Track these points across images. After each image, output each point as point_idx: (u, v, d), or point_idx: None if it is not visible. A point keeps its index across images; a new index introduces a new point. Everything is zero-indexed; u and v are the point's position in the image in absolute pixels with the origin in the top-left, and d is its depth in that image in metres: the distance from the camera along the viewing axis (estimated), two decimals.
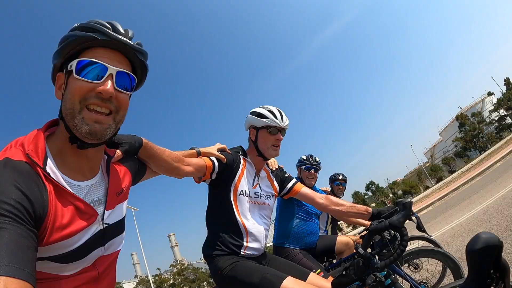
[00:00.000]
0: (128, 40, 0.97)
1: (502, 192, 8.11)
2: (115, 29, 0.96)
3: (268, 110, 1.99)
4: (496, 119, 54.11)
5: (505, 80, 55.99)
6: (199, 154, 1.84)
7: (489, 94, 59.02)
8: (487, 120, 55.25)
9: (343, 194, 4.38)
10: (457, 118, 53.61)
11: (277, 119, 1.96)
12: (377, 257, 1.61)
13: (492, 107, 54.51)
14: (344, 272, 1.53)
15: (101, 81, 0.93)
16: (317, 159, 3.62)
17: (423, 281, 2.75)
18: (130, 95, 1.06)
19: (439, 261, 2.76)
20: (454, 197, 14.33)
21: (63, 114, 0.96)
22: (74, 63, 0.93)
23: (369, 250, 1.63)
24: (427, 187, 44.56)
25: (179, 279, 64.60)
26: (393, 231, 1.63)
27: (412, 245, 3.77)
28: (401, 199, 1.67)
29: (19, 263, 0.67)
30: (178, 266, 70.70)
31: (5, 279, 0.63)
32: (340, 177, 4.28)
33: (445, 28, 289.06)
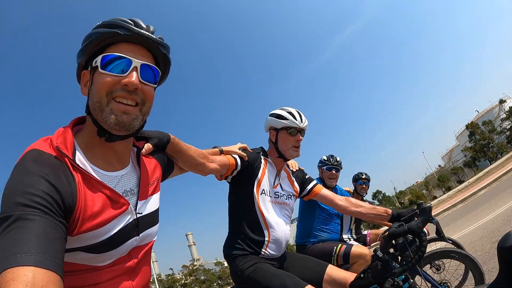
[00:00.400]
0: (150, 34, 0.99)
1: None
2: (137, 24, 0.98)
3: (287, 112, 2.01)
4: (508, 127, 52.30)
5: None
6: (221, 152, 1.85)
7: (501, 101, 56.72)
8: (499, 129, 53.40)
9: (366, 193, 4.36)
10: (467, 127, 52.13)
11: (296, 120, 1.97)
12: (399, 259, 1.63)
13: (504, 115, 52.70)
14: (362, 275, 1.53)
15: (126, 74, 0.94)
16: (338, 159, 3.59)
17: (444, 282, 2.68)
18: (155, 88, 1.07)
19: (461, 263, 2.74)
20: (476, 200, 13.89)
21: (90, 109, 0.97)
22: (98, 58, 0.95)
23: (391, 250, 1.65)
24: (435, 197, 44.03)
25: (190, 280, 67.43)
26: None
27: (434, 246, 3.69)
28: (421, 202, 1.65)
29: (47, 254, 0.68)
30: (190, 267, 73.75)
31: (34, 269, 0.64)
32: (363, 176, 4.29)
33: (471, 25, 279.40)
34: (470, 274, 2.82)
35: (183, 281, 65.93)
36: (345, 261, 2.96)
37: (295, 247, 3.46)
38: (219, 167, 1.71)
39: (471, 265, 2.57)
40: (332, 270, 1.89)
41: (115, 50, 0.96)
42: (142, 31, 0.97)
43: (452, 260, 2.75)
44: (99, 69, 0.94)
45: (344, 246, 2.98)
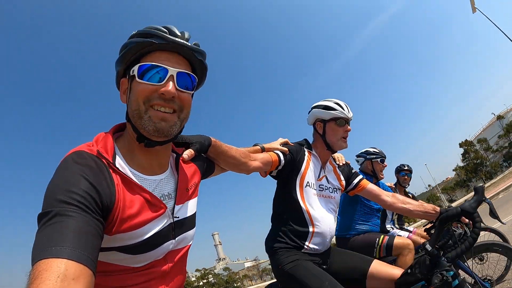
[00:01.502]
0: (185, 42, 0.99)
1: None
2: (171, 33, 0.98)
3: (334, 103, 1.95)
4: (505, 145, 48.41)
5: None
6: (263, 149, 1.81)
7: (499, 117, 52.02)
8: (494, 147, 49.59)
9: (409, 185, 4.31)
10: (460, 145, 49.62)
11: (344, 110, 1.92)
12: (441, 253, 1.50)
13: (502, 132, 48.85)
14: (409, 271, 1.45)
15: (162, 82, 0.95)
16: None
17: (487, 277, 2.60)
18: (193, 94, 1.07)
19: (504, 256, 2.60)
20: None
21: (129, 116, 0.99)
22: (136, 68, 0.96)
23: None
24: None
25: (202, 283, 72.93)
26: (459, 227, 1.55)
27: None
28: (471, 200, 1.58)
29: (81, 248, 0.70)
30: (202, 271, 79.22)
31: (67, 261, 0.65)
32: (405, 168, 4.25)
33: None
34: None
35: (196, 283, 71.49)
36: (388, 253, 2.84)
37: (334, 239, 3.29)
38: (262, 165, 1.67)
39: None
40: (377, 266, 1.80)
41: (152, 59, 0.97)
42: (176, 39, 0.97)
43: (495, 253, 2.62)
44: (137, 78, 0.96)
45: (387, 237, 2.89)
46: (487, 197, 1.52)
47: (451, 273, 1.40)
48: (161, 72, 0.96)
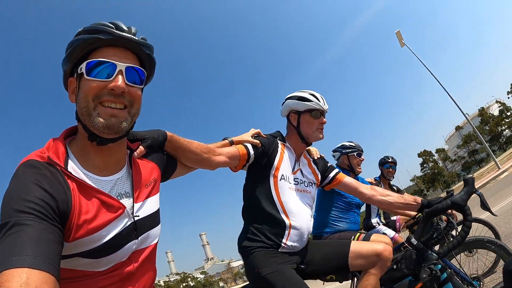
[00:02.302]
0: (132, 36, 0.96)
1: None
2: (118, 28, 0.95)
3: (309, 94, 1.84)
4: (465, 155, 49.05)
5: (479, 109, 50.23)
6: (232, 143, 1.70)
7: (457, 128, 52.35)
8: (453, 157, 50.25)
9: (393, 177, 4.22)
10: (419, 155, 50.23)
11: (319, 102, 1.82)
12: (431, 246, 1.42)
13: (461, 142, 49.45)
14: (394, 266, 1.39)
15: (111, 78, 0.92)
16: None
17: (476, 275, 2.51)
18: (142, 89, 1.04)
19: (493, 252, 2.48)
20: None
21: (79, 115, 0.96)
22: (83, 65, 0.93)
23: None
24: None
25: (182, 286, 74.45)
26: (443, 219, 1.45)
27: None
28: (452, 189, 1.50)
29: (42, 256, 0.68)
30: (181, 274, 79.87)
31: (28, 270, 0.64)
32: (389, 160, 4.10)
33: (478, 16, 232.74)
34: (500, 263, 2.62)
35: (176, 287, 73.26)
36: None
37: (311, 238, 3.12)
38: (228, 160, 1.57)
39: (506, 257, 2.32)
40: (357, 245, 1.73)
41: (99, 55, 0.94)
42: (123, 33, 0.94)
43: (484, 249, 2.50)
44: (85, 75, 0.92)
45: (362, 235, 2.79)
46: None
47: (439, 266, 1.34)
48: (109, 68, 0.93)
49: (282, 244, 1.65)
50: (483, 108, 50.44)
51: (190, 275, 75.23)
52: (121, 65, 0.94)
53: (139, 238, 1.03)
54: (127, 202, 1.02)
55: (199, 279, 71.71)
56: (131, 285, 1.00)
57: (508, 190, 8.47)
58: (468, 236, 2.36)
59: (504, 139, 47.07)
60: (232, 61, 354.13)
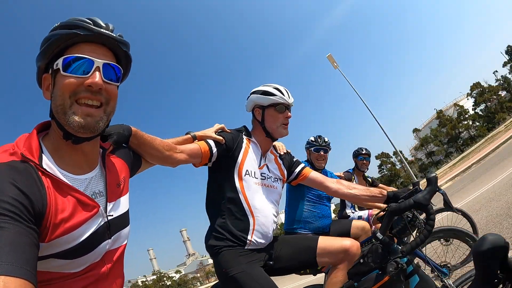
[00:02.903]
0: (110, 33, 0.94)
1: None
2: (96, 24, 0.93)
3: (274, 88, 1.79)
4: (422, 157, 50.64)
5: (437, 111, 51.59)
6: (195, 138, 1.67)
7: (415, 130, 54.12)
8: (410, 158, 51.75)
9: (367, 169, 4.23)
10: (376, 157, 51.22)
11: (284, 96, 1.78)
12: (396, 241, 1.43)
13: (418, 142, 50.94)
14: (361, 260, 1.40)
15: (88, 75, 0.90)
16: (326, 140, 3.35)
17: (446, 264, 2.49)
18: (118, 86, 1.02)
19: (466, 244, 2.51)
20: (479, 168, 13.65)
21: (53, 112, 0.92)
22: (60, 61, 0.90)
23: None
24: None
25: (157, 286, 75.65)
26: (413, 211, 1.45)
27: (440, 216, 3.64)
28: (417, 181, 1.52)
29: (18, 262, 0.65)
30: (157, 274, 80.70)
31: (5, 278, 0.61)
32: (363, 152, 4.10)
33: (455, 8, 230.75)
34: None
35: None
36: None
37: (284, 234, 3.11)
38: (188, 157, 1.54)
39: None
40: (325, 241, 1.72)
41: (76, 51, 0.91)
42: (102, 30, 0.92)
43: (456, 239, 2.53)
44: (61, 71, 0.89)
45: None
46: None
47: (405, 259, 1.35)
48: (86, 64, 0.91)
49: (248, 241, 1.64)
50: (440, 110, 51.74)
51: (166, 275, 76.07)
52: (99, 62, 0.92)
53: (112, 237, 1.01)
54: (101, 201, 1.00)
55: (174, 278, 72.58)
56: (105, 285, 0.99)
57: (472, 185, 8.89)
58: (445, 225, 2.41)
59: (461, 141, 48.63)
60: (204, 54, 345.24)
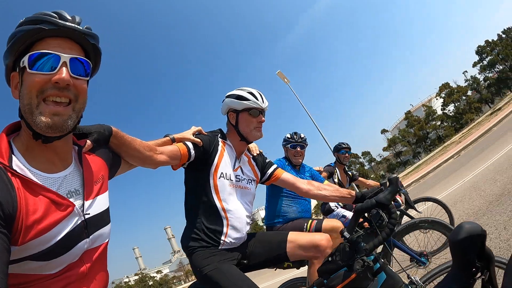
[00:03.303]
0: (76, 26, 0.90)
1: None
2: (61, 17, 0.89)
3: (247, 92, 1.81)
4: (389, 158, 51.53)
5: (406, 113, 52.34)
6: (173, 141, 1.66)
7: (383, 131, 54.91)
8: (378, 158, 52.66)
9: (349, 162, 4.43)
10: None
11: (258, 100, 1.79)
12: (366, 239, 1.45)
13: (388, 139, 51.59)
14: (330, 259, 1.43)
15: (55, 71, 0.86)
16: (302, 136, 3.41)
17: (425, 253, 2.55)
18: (88, 81, 0.98)
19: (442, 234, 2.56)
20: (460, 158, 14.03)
21: (22, 112, 0.89)
22: (25, 58, 0.86)
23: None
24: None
25: (140, 286, 71.24)
26: (379, 211, 1.49)
27: (421, 208, 3.67)
28: (385, 179, 1.55)
29: None
30: (139, 274, 76.37)
31: None
32: (345, 146, 4.28)
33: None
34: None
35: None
36: None
37: (265, 229, 3.23)
38: (168, 159, 1.54)
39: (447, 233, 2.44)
40: (294, 236, 1.79)
41: (42, 47, 0.88)
42: (67, 23, 0.89)
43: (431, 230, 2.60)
44: (27, 69, 0.86)
45: (315, 222, 2.83)
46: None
47: (372, 257, 1.39)
48: (53, 60, 0.87)
49: (221, 242, 1.67)
50: (409, 111, 52.52)
51: (148, 275, 76.50)
52: (65, 57, 0.89)
53: (90, 237, 0.98)
54: (76, 199, 0.97)
55: (156, 278, 73.03)
56: (85, 285, 0.96)
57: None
58: (422, 216, 2.54)
59: (429, 142, 49.54)
60: (187, 53, 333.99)
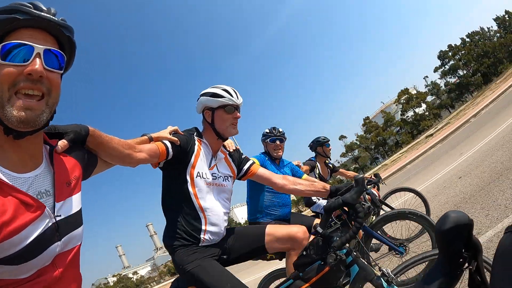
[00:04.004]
0: (51, 17, 0.87)
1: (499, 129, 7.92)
2: (36, 7, 0.86)
3: (222, 89, 1.82)
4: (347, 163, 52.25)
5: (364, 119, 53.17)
6: (151, 140, 1.64)
7: (341, 137, 55.02)
8: (336, 164, 53.46)
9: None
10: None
11: (233, 97, 1.80)
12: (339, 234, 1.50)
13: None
14: (304, 253, 1.48)
15: (28, 62, 0.82)
16: (281, 130, 3.45)
17: (402, 243, 2.64)
18: (62, 75, 0.94)
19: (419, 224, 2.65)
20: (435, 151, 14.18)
21: None
22: None
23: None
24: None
25: (119, 286, 69.79)
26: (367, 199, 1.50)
27: (402, 198, 4.14)
28: (361, 176, 1.60)
29: None
30: (117, 276, 76.59)
31: None
32: (325, 140, 4.34)
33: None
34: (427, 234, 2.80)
35: None
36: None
37: (248, 224, 3.22)
38: (148, 157, 1.52)
39: (430, 230, 2.53)
40: (272, 228, 1.82)
41: (16, 37, 0.84)
42: (42, 13, 0.85)
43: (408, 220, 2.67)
44: (0, 60, 0.81)
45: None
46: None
47: (344, 251, 1.45)
48: (26, 51, 0.83)
49: (201, 239, 1.69)
50: (367, 117, 52.57)
51: (125, 276, 77.62)
52: (39, 48, 0.84)
53: (62, 239, 0.93)
54: (47, 201, 0.91)
55: (132, 279, 73.97)
56: None
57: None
58: (400, 207, 2.74)
59: (387, 147, 50.62)
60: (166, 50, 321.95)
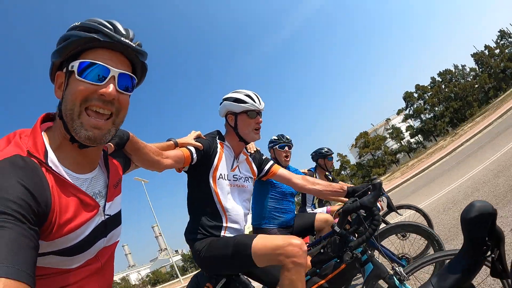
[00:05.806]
0: (130, 42, 0.88)
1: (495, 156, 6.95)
2: (116, 30, 0.87)
3: (245, 95, 1.84)
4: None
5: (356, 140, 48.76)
6: (176, 145, 1.69)
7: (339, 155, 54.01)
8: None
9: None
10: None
11: (255, 102, 1.84)
12: (355, 234, 1.58)
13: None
14: (322, 250, 1.54)
15: (103, 83, 0.84)
16: (288, 137, 3.48)
17: (404, 255, 2.65)
18: (130, 95, 0.94)
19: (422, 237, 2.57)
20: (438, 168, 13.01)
21: (62, 113, 0.85)
22: (76, 64, 0.83)
23: (348, 227, 1.57)
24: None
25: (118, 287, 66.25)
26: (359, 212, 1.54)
27: (404, 215, 3.75)
28: (374, 177, 1.55)
29: (19, 264, 0.61)
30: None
31: (5, 280, 0.58)
32: (329, 153, 4.28)
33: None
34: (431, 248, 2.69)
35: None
36: (310, 232, 3.02)
37: (252, 229, 3.27)
38: (174, 163, 1.57)
39: (433, 242, 2.49)
40: (260, 241, 1.65)
41: (93, 57, 0.85)
42: (122, 39, 0.86)
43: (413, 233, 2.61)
44: (76, 75, 0.83)
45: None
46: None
47: (360, 249, 1.49)
48: (102, 72, 0.85)
49: (221, 235, 1.73)
50: (365, 132, 48.23)
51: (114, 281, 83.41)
52: (115, 71, 0.86)
53: (107, 236, 0.99)
54: (101, 201, 0.98)
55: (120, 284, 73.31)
56: (97, 280, 0.98)
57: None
58: (402, 220, 2.67)
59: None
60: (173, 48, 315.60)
